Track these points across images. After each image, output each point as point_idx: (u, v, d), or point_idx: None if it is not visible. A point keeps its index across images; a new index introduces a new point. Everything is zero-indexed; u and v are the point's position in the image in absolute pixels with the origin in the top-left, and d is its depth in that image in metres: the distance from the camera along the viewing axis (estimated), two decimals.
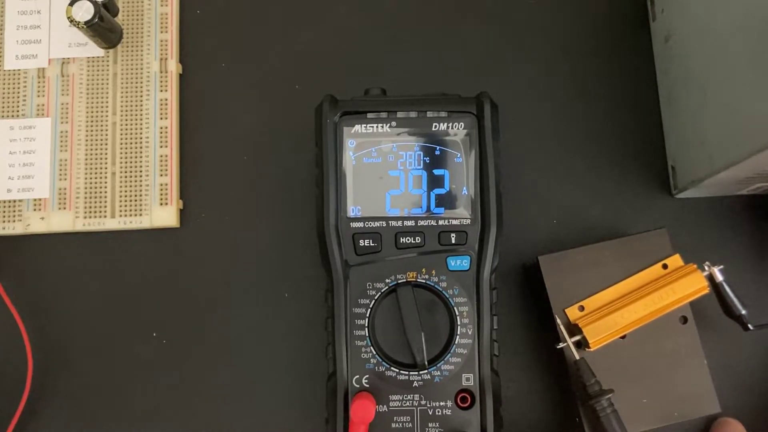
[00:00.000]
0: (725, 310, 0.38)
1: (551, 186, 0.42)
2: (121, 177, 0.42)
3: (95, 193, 0.42)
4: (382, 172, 0.36)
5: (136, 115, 0.43)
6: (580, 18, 0.44)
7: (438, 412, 0.35)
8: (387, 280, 0.35)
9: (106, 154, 0.42)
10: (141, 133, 0.42)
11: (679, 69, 0.40)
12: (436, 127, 0.36)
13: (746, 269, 0.41)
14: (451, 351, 0.35)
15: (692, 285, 0.37)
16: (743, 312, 0.38)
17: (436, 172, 0.36)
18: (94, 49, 0.43)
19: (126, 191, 0.42)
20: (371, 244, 0.36)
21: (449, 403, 0.35)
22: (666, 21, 0.42)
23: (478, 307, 0.35)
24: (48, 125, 0.43)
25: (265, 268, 0.42)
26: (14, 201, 0.42)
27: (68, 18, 0.40)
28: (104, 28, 0.41)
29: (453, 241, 0.36)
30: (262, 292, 0.42)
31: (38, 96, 0.43)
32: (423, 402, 0.35)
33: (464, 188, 0.36)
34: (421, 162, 0.36)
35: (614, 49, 0.44)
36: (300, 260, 0.42)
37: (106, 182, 0.42)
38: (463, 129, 0.36)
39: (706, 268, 0.38)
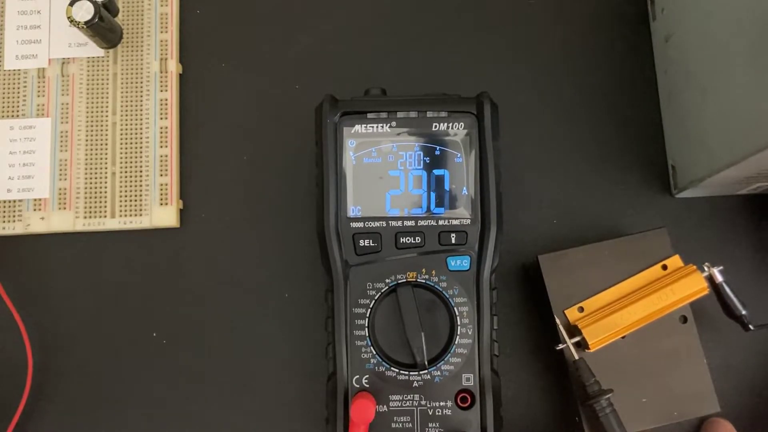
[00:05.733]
0: (725, 310, 0.38)
1: (551, 186, 0.42)
2: (121, 177, 0.42)
3: (95, 193, 0.42)
4: (382, 172, 0.36)
5: (136, 115, 0.43)
6: (580, 18, 0.44)
7: (438, 412, 0.35)
8: (387, 280, 0.35)
9: (106, 154, 0.42)
10: (141, 133, 0.42)
11: (679, 69, 0.40)
12: (436, 127, 0.36)
13: (746, 269, 0.41)
14: (451, 351, 0.35)
15: (692, 286, 0.37)
16: (743, 312, 0.38)
17: (436, 172, 0.36)
18: (94, 49, 0.43)
19: (126, 191, 0.42)
20: (371, 244, 0.36)
21: (449, 403, 0.35)
22: (666, 21, 0.42)
23: (478, 307, 0.35)
24: (48, 125, 0.43)
25: (265, 268, 0.42)
26: (14, 201, 0.42)
27: (68, 18, 0.40)
28: (104, 28, 0.41)
29: (453, 241, 0.36)
30: (262, 292, 0.42)
31: (38, 96, 0.43)
32: (423, 402, 0.35)
33: (464, 188, 0.36)
34: (421, 162, 0.36)
35: (614, 49, 0.44)
36: (300, 260, 0.42)
37: (106, 182, 0.42)
38: (463, 129, 0.36)
39: (706, 269, 0.38)
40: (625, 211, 0.42)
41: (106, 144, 0.42)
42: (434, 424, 0.35)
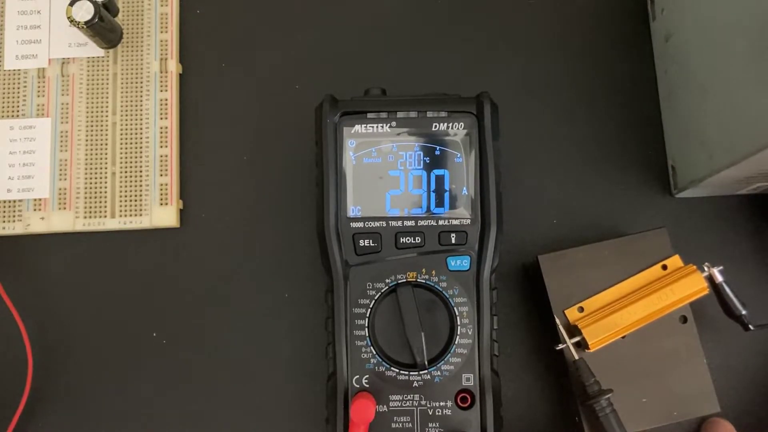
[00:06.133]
0: (725, 310, 0.38)
1: (551, 186, 0.42)
2: (121, 177, 0.42)
3: (95, 193, 0.42)
4: (382, 172, 0.36)
5: (136, 115, 0.43)
6: (580, 18, 0.44)
7: (438, 412, 0.35)
8: (387, 280, 0.35)
9: (106, 154, 0.42)
10: (141, 133, 0.42)
11: (679, 69, 0.40)
12: (436, 127, 0.36)
13: (746, 269, 0.41)
14: (451, 351, 0.35)
15: (692, 286, 0.37)
16: (743, 312, 0.38)
17: (436, 172, 0.36)
18: (94, 49, 0.43)
19: (126, 191, 0.42)
20: (371, 244, 0.36)
21: (449, 403, 0.35)
22: (666, 21, 0.42)
23: (478, 307, 0.35)
24: (48, 125, 0.43)
25: (265, 268, 0.42)
26: (14, 201, 0.42)
27: (68, 18, 0.40)
28: (104, 28, 0.41)
29: (453, 241, 0.36)
30: (262, 292, 0.42)
31: (38, 96, 0.43)
32: (423, 402, 0.35)
33: (464, 188, 0.36)
34: (421, 162, 0.36)
35: (614, 49, 0.44)
36: (300, 260, 0.42)
37: (106, 182, 0.42)
38: (463, 129, 0.36)
39: (706, 269, 0.38)
40: (625, 211, 0.42)
41: (106, 144, 0.42)
42: (434, 424, 0.35)
